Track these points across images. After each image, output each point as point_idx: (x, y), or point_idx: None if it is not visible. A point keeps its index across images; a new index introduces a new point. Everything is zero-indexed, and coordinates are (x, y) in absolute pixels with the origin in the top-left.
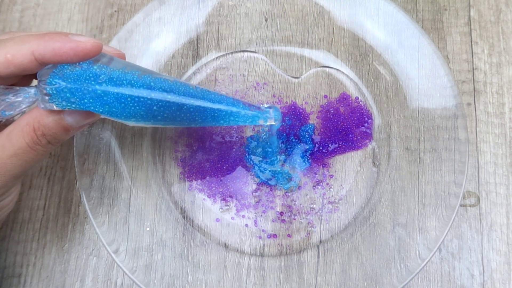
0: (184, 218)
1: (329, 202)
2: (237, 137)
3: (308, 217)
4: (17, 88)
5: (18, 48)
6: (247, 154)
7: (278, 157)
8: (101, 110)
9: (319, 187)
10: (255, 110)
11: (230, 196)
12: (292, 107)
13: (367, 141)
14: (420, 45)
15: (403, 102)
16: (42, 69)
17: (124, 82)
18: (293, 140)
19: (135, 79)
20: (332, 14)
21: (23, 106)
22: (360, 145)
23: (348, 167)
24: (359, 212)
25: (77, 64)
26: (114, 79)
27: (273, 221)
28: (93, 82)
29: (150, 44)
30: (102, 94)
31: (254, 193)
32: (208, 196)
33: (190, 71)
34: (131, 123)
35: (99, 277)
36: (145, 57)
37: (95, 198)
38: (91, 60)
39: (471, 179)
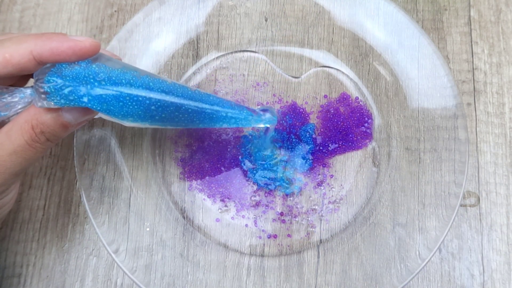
0: (184, 218)
1: (329, 202)
2: (236, 137)
3: (308, 217)
4: (13, 88)
5: (16, 48)
6: (240, 157)
7: (275, 160)
8: (99, 108)
9: (319, 187)
10: (249, 113)
11: (230, 196)
12: (292, 106)
13: (367, 141)
14: (420, 45)
15: (403, 102)
16: (40, 69)
17: (123, 81)
18: (294, 140)
19: (134, 78)
20: (332, 14)
21: (19, 107)
22: (360, 145)
23: (348, 167)
24: (359, 212)
25: (76, 63)
26: (113, 78)
27: (273, 221)
28: (91, 80)
29: (150, 44)
30: (101, 92)
31: (254, 193)
32: (208, 196)
33: (190, 71)
34: (128, 123)
35: (99, 277)
36: (145, 57)
37: (95, 198)
38: (89, 59)
39: (471, 179)
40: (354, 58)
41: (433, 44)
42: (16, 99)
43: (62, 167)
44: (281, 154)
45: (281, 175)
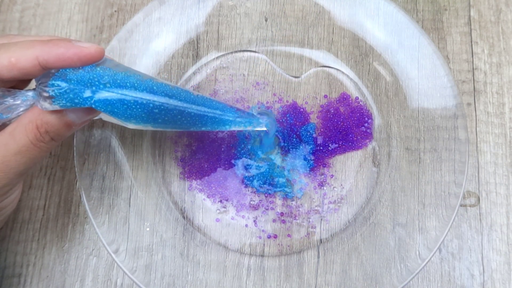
0: (184, 218)
1: (329, 202)
2: (235, 137)
3: (308, 217)
4: (15, 91)
5: (22, 53)
6: (234, 159)
7: (276, 162)
8: (103, 110)
9: (320, 187)
10: (249, 117)
11: (230, 197)
12: (293, 106)
13: (367, 141)
14: (420, 45)
15: (403, 102)
16: (43, 73)
17: (128, 84)
18: (295, 139)
19: (138, 82)
20: (332, 14)
21: (21, 109)
22: (360, 145)
23: (348, 167)
24: (359, 212)
25: (80, 67)
26: (118, 81)
27: (273, 221)
28: (96, 83)
29: (150, 44)
30: (106, 95)
31: (253, 194)
32: (208, 196)
33: (190, 71)
34: (131, 125)
35: (99, 277)
36: (145, 57)
37: (95, 198)
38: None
39: (471, 179)
40: (354, 58)
41: (433, 44)
42: (18, 102)
43: (62, 167)
44: (282, 155)
45: (283, 181)
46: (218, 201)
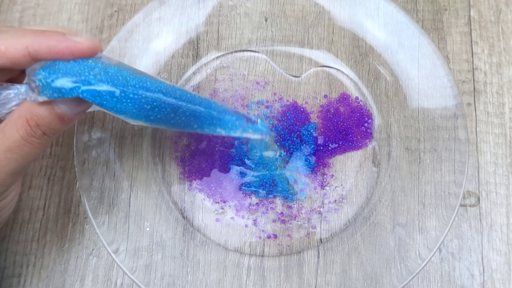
0: (184, 218)
1: (329, 202)
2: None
3: (308, 217)
4: (7, 84)
5: (12, 41)
6: (230, 163)
7: (276, 163)
8: (92, 101)
9: (320, 187)
10: (244, 120)
11: (230, 197)
12: (293, 106)
13: (367, 141)
14: (420, 45)
15: (403, 102)
16: (33, 64)
17: (119, 77)
18: (295, 139)
19: (130, 76)
20: (332, 14)
21: (13, 103)
22: (360, 145)
23: (348, 167)
24: (359, 212)
25: None
26: (109, 74)
27: (273, 221)
28: (86, 74)
29: (150, 44)
30: (95, 88)
31: (254, 194)
32: (207, 196)
33: (190, 71)
34: (127, 120)
35: (99, 277)
36: (145, 57)
37: (95, 198)
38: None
39: (471, 179)
40: (354, 58)
41: (433, 44)
42: (11, 96)
43: (62, 167)
44: (284, 158)
45: (285, 185)
46: (218, 201)
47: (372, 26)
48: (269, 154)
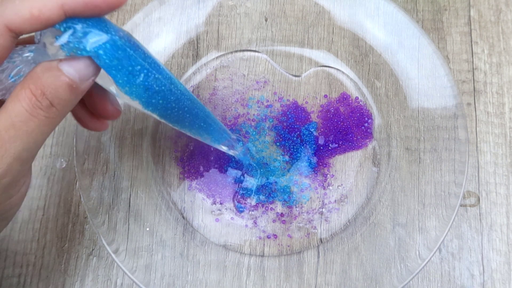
0: (184, 218)
1: (330, 202)
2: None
3: (308, 217)
4: (21, 47)
5: (44, 2)
6: (228, 167)
7: (278, 167)
8: (105, 63)
9: (320, 187)
10: (228, 135)
11: (230, 197)
12: (293, 105)
13: (367, 141)
14: (420, 45)
15: (403, 102)
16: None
17: (140, 49)
18: (295, 140)
19: (147, 53)
20: (332, 14)
21: (25, 71)
22: (360, 145)
23: (348, 167)
24: (359, 212)
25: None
26: (132, 40)
27: (273, 222)
28: (112, 32)
29: (150, 44)
30: (118, 45)
31: (254, 194)
32: (207, 196)
33: (190, 71)
34: (125, 95)
35: (99, 277)
36: None
37: (95, 198)
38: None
39: (471, 179)
40: (354, 58)
41: (433, 44)
42: (27, 58)
43: (62, 167)
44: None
45: (287, 190)
46: (218, 201)
47: (372, 26)
48: (271, 159)
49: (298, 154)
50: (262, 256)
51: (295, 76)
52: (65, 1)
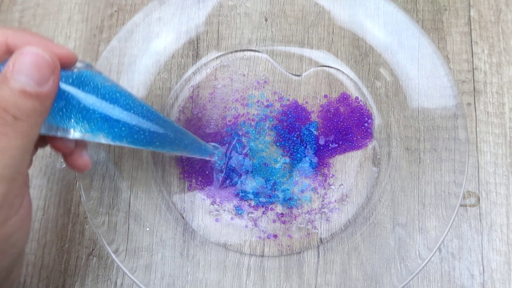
0: (184, 218)
1: (330, 202)
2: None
3: (308, 217)
4: None
5: None
6: (220, 174)
7: (279, 168)
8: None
9: (320, 187)
10: (204, 147)
11: (230, 197)
12: (294, 105)
13: (367, 141)
14: (420, 45)
15: (403, 102)
16: None
17: (90, 84)
18: (295, 140)
19: (108, 86)
20: (332, 14)
21: None
22: (360, 145)
23: (348, 167)
24: (359, 212)
25: None
26: (86, 77)
27: (273, 222)
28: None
29: (150, 44)
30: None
31: (254, 197)
32: (207, 196)
33: (190, 71)
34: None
35: (99, 277)
36: (145, 57)
37: (95, 198)
38: None
39: (471, 179)
40: (354, 58)
41: (433, 44)
42: None
43: (62, 167)
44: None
45: (288, 193)
46: (218, 202)
47: (372, 26)
48: (271, 160)
49: (299, 155)
50: (262, 256)
51: (296, 75)
52: (10, 35)
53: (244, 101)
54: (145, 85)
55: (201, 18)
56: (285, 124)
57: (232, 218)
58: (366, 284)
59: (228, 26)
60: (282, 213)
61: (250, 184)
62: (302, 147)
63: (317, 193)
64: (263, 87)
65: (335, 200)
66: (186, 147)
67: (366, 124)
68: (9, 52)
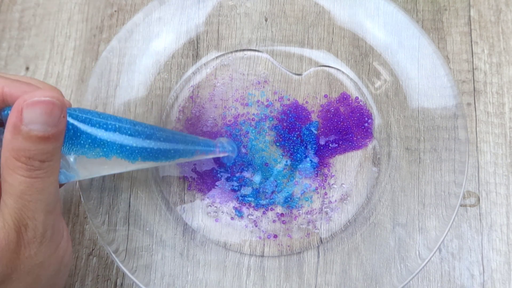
0: (184, 217)
1: (330, 202)
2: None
3: (308, 217)
4: None
5: None
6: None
7: (280, 170)
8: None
9: (320, 187)
10: (212, 145)
11: (230, 197)
12: (294, 105)
13: (367, 141)
14: (420, 45)
15: (403, 102)
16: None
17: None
18: (295, 140)
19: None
20: (332, 14)
21: None
22: (360, 145)
23: (348, 167)
24: (359, 212)
25: None
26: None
27: (273, 222)
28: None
29: (150, 44)
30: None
31: (254, 199)
32: (207, 196)
33: (190, 71)
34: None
35: (99, 277)
36: (145, 57)
37: (95, 198)
38: None
39: (471, 179)
40: (354, 58)
41: (433, 44)
42: None
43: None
44: (287, 163)
45: (289, 194)
46: (218, 202)
47: (372, 26)
48: (271, 160)
49: (299, 155)
50: (262, 256)
51: (296, 74)
52: (6, 85)
53: (244, 100)
54: (145, 85)
55: (201, 18)
56: (285, 123)
57: (232, 218)
58: (366, 284)
59: (228, 26)
60: (282, 213)
61: (250, 184)
62: (303, 147)
63: (318, 193)
64: (263, 86)
65: (335, 200)
66: (195, 148)
67: (366, 124)
68: (5, 101)
